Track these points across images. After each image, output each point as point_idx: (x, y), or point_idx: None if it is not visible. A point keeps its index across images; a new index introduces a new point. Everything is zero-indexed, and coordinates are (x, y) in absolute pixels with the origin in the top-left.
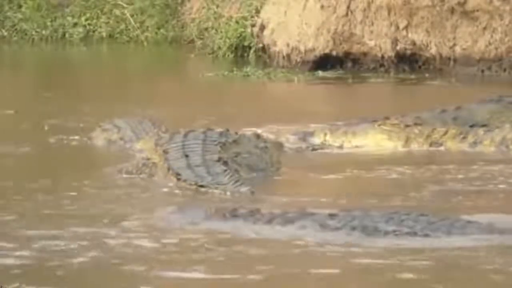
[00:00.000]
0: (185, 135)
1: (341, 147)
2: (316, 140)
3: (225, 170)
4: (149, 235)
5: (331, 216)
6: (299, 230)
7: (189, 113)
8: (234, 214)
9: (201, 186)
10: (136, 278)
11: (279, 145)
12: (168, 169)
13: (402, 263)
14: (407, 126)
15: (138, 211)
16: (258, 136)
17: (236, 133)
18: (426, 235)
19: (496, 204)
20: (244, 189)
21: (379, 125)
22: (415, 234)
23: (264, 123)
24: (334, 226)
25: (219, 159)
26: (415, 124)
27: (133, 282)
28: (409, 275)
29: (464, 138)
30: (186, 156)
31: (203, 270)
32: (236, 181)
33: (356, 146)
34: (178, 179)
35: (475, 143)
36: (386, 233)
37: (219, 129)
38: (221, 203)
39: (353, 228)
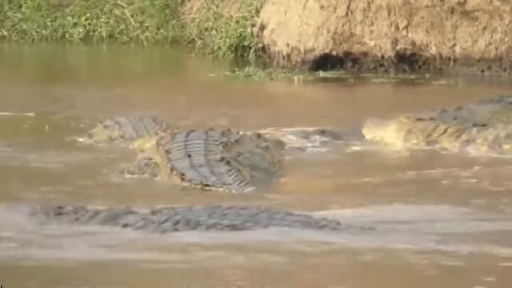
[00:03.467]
0: (187, 135)
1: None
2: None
3: (229, 170)
4: None
5: (153, 212)
6: (122, 227)
7: (194, 113)
8: (58, 212)
9: (207, 185)
10: None
11: (280, 144)
12: (172, 169)
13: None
14: (418, 119)
15: None
16: (259, 135)
17: (238, 132)
18: (245, 228)
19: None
20: (249, 189)
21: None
22: (234, 226)
23: (272, 123)
24: (159, 220)
25: (221, 159)
26: (430, 119)
27: None
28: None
29: (458, 136)
30: (189, 156)
31: None
32: (241, 181)
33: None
34: (183, 179)
35: (468, 142)
36: (209, 226)
37: (221, 129)
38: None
39: (177, 222)
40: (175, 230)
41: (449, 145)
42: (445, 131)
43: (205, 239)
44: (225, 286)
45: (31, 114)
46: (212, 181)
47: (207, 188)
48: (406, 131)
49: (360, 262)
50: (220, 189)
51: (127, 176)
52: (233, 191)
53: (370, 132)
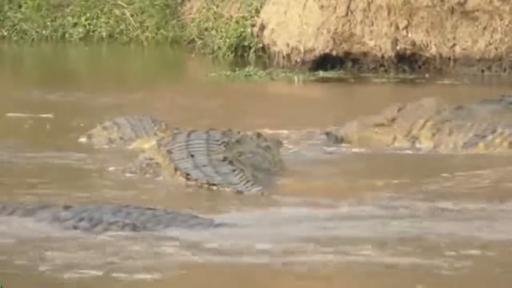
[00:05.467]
0: (188, 135)
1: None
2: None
3: (234, 170)
4: None
5: (66, 208)
6: (36, 222)
7: (194, 113)
8: None
9: (213, 185)
10: None
11: (279, 144)
12: (176, 169)
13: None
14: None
15: None
16: (259, 135)
17: (239, 132)
18: (145, 228)
19: None
20: (255, 189)
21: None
22: (135, 226)
23: (272, 123)
24: (65, 217)
25: (224, 159)
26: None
27: None
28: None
29: (433, 135)
30: (192, 156)
31: None
32: (247, 181)
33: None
34: (188, 179)
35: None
36: (109, 224)
37: (222, 129)
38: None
39: (81, 220)
40: (75, 227)
41: (426, 142)
42: (423, 126)
43: (94, 238)
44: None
45: (31, 114)
46: (218, 181)
47: (213, 187)
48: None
49: (238, 264)
50: (227, 189)
51: (128, 176)
52: (240, 190)
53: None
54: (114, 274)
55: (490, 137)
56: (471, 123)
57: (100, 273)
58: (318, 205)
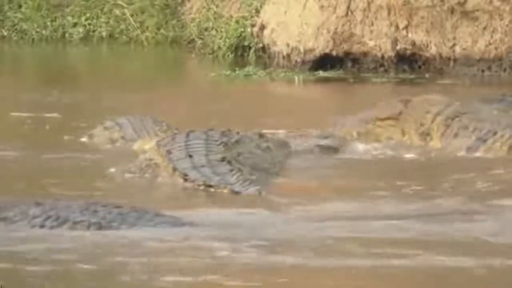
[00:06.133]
0: (187, 135)
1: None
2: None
3: (231, 170)
4: None
5: (37, 204)
6: (7, 219)
7: (194, 113)
8: None
9: (210, 186)
10: None
11: (282, 145)
12: (174, 169)
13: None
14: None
15: None
16: (261, 135)
17: (238, 133)
18: (110, 227)
19: None
20: (252, 189)
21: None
22: (100, 225)
23: (272, 123)
24: (34, 215)
25: (223, 159)
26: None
27: None
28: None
29: (442, 134)
30: (190, 156)
31: None
32: (245, 181)
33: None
34: (186, 180)
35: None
36: (75, 223)
37: (221, 129)
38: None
39: (48, 218)
40: (42, 226)
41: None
42: (433, 120)
43: (57, 237)
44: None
45: (31, 114)
46: (215, 181)
47: (210, 188)
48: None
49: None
50: (225, 190)
51: (128, 176)
52: (237, 190)
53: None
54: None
55: (491, 140)
56: (474, 126)
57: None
58: (301, 207)
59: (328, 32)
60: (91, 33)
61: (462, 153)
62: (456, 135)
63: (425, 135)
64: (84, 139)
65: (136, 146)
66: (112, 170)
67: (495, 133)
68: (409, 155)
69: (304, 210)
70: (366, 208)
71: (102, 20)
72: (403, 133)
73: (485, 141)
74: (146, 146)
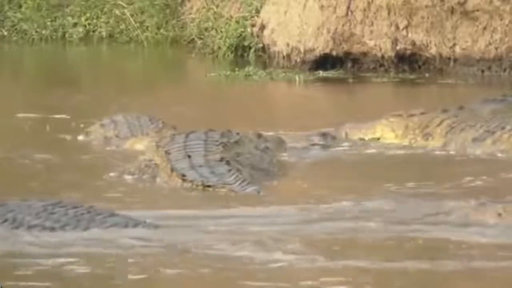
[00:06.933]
0: (187, 136)
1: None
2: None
3: (230, 170)
4: None
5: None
6: None
7: (193, 113)
8: None
9: (208, 186)
10: None
11: (281, 144)
12: (172, 170)
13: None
14: (410, 115)
15: None
16: (259, 135)
17: (237, 133)
18: (64, 230)
19: None
20: (250, 188)
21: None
22: (53, 229)
23: (272, 123)
24: None
25: (221, 159)
26: (420, 113)
27: None
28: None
29: (446, 133)
30: (189, 156)
31: None
32: (243, 181)
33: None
34: (184, 180)
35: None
36: (30, 227)
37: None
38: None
39: (5, 221)
40: None
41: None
42: (440, 123)
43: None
44: None
45: (31, 115)
46: (213, 182)
47: (208, 188)
48: (403, 128)
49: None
50: (222, 190)
51: (127, 177)
52: (235, 190)
53: (354, 135)
54: None
55: (498, 133)
56: (482, 123)
57: None
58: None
59: (328, 32)
60: (91, 33)
61: (466, 145)
62: (462, 130)
63: (428, 135)
64: (80, 137)
65: (127, 144)
66: (105, 169)
67: (503, 128)
68: (406, 153)
69: (303, 209)
70: (365, 208)
71: (102, 20)
72: (407, 127)
73: (493, 133)
74: (138, 145)
